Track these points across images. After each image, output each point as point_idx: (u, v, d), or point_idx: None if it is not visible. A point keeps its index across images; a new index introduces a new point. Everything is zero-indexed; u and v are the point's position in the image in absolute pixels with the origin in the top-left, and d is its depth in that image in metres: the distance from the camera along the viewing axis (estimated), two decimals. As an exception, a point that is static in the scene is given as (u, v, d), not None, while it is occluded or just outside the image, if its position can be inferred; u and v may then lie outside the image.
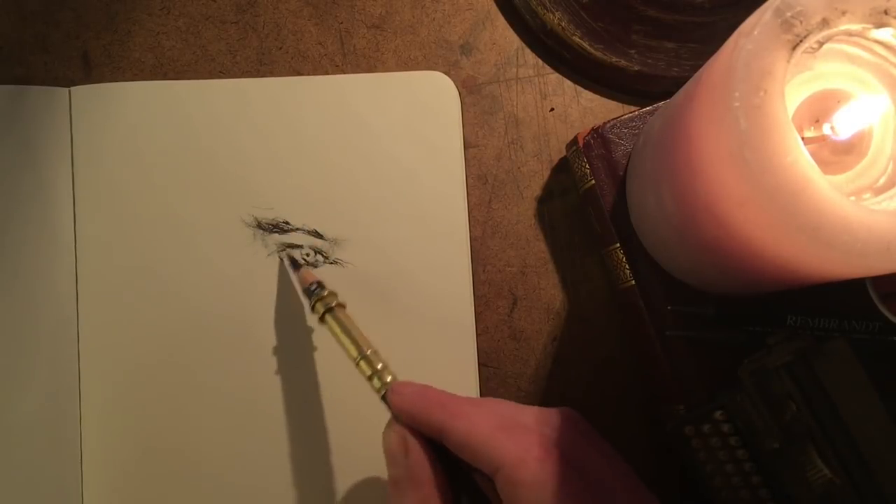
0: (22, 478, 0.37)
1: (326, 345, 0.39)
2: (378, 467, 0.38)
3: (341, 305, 0.35)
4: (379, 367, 0.33)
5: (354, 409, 0.38)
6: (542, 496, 0.28)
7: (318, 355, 0.39)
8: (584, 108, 0.41)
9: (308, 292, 0.36)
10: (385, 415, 0.33)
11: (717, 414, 0.33)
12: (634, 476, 0.31)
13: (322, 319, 0.35)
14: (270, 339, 0.39)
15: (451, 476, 0.31)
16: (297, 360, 0.39)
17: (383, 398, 0.33)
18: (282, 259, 0.39)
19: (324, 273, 0.39)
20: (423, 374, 0.36)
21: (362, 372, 0.34)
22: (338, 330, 0.35)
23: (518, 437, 0.29)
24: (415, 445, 0.31)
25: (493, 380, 0.39)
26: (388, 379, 0.33)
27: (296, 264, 0.38)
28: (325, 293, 0.35)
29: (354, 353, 0.34)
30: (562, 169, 0.41)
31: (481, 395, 0.39)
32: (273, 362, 0.39)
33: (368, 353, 0.34)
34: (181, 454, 0.38)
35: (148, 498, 0.38)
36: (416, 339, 0.38)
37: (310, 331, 0.39)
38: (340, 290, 0.37)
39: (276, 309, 0.39)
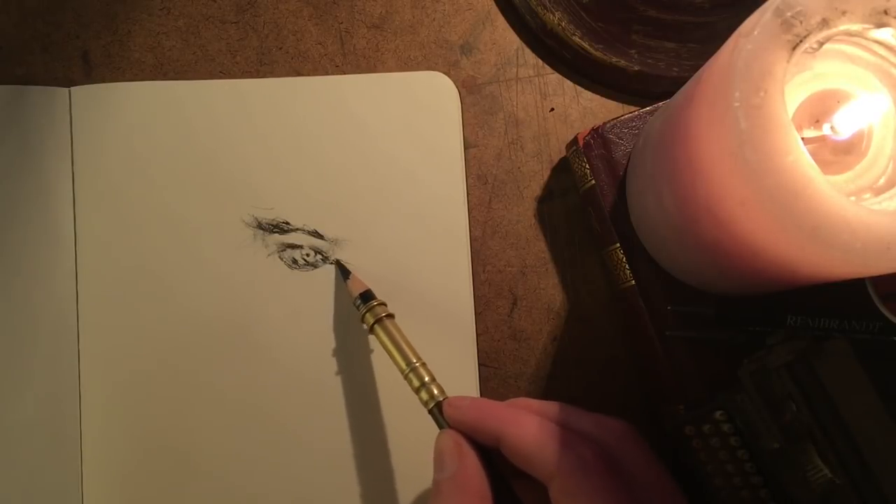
0: (22, 478, 0.37)
1: (326, 346, 0.39)
2: (372, 472, 0.38)
3: (390, 316, 0.36)
4: (426, 379, 0.34)
5: (355, 415, 0.38)
6: None
7: (320, 356, 0.39)
8: (584, 108, 0.41)
9: (357, 303, 0.36)
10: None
11: (717, 414, 0.33)
12: (683, 497, 0.31)
13: (371, 330, 0.35)
14: (270, 339, 0.39)
15: (494, 489, 0.31)
16: (301, 361, 0.39)
17: (431, 411, 0.33)
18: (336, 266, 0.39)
19: (324, 273, 0.39)
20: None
21: (410, 384, 0.34)
22: (387, 342, 0.35)
23: (574, 446, 0.29)
24: (469, 452, 0.31)
25: (493, 380, 0.39)
26: (436, 392, 0.33)
27: (345, 272, 0.38)
28: (375, 303, 0.36)
29: (403, 365, 0.34)
30: (562, 169, 0.41)
31: (481, 395, 0.39)
32: (274, 363, 0.39)
33: (417, 365, 0.34)
34: (181, 454, 0.38)
35: (148, 498, 0.38)
36: (417, 340, 0.38)
37: (318, 333, 0.39)
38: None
39: (284, 313, 0.39)
